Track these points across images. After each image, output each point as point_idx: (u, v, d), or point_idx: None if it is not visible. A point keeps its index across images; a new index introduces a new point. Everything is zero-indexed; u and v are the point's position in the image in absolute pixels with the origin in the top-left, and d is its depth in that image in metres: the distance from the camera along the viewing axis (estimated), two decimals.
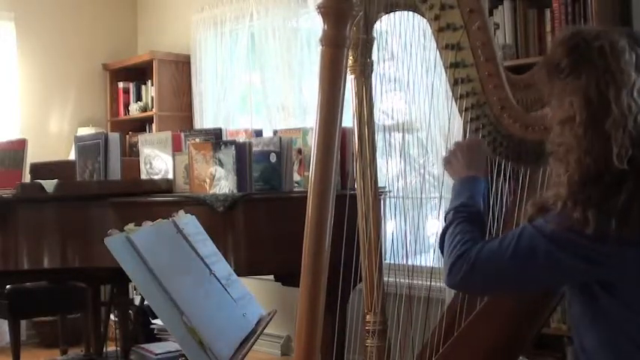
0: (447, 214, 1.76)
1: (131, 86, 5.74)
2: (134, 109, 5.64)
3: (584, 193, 1.45)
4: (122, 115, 5.78)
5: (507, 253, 1.53)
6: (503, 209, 2.15)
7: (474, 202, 1.76)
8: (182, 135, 3.42)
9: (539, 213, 1.56)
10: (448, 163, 1.89)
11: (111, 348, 4.31)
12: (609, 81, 1.47)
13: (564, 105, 1.53)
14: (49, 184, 3.05)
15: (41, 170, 3.63)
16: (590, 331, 1.55)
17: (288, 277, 2.99)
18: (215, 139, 3.27)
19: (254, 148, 3.01)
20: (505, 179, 2.13)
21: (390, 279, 2.40)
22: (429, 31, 2.14)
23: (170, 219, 2.00)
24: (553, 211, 1.51)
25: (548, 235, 1.49)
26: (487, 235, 1.88)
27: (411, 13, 2.22)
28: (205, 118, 5.25)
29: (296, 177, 3.12)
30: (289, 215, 2.82)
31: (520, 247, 1.52)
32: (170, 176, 3.28)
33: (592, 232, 1.43)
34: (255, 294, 2.27)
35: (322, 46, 1.70)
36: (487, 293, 1.74)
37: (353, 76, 2.27)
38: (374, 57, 2.31)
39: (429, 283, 2.37)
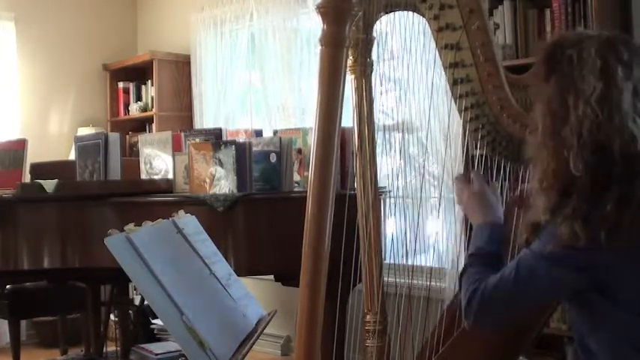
0: (465, 260, 1.76)
1: (131, 86, 5.75)
2: (134, 109, 5.64)
3: (568, 206, 1.46)
4: (122, 115, 5.78)
5: (510, 282, 1.55)
6: (503, 209, 2.14)
7: (491, 246, 1.74)
8: (182, 135, 3.42)
9: (533, 232, 1.56)
10: (466, 211, 1.88)
11: (111, 348, 4.31)
12: (570, 89, 1.48)
13: (536, 111, 1.55)
14: (49, 184, 3.05)
15: (41, 170, 3.63)
16: (591, 333, 1.55)
17: (288, 277, 2.99)
18: (215, 139, 3.27)
19: (254, 148, 3.01)
20: (505, 179, 2.13)
21: (390, 279, 2.40)
22: (428, 30, 2.14)
23: (170, 219, 2.00)
24: (545, 229, 1.51)
25: (545, 256, 1.49)
26: None
27: (410, 12, 2.22)
28: (205, 118, 5.26)
29: (296, 177, 3.12)
30: (289, 215, 2.82)
31: (520, 273, 1.53)
32: (170, 176, 3.28)
33: (585, 245, 1.43)
34: (255, 294, 2.27)
35: (322, 45, 1.70)
36: (501, 324, 1.74)
37: (353, 76, 2.27)
38: (374, 57, 2.31)
39: (428, 283, 2.37)
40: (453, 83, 2.07)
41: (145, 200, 3.07)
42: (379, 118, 2.41)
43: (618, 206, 1.42)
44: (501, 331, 2.00)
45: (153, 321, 4.61)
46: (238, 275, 2.18)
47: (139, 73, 5.69)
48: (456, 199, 1.94)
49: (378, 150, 2.38)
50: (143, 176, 3.47)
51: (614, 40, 1.53)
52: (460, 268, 1.76)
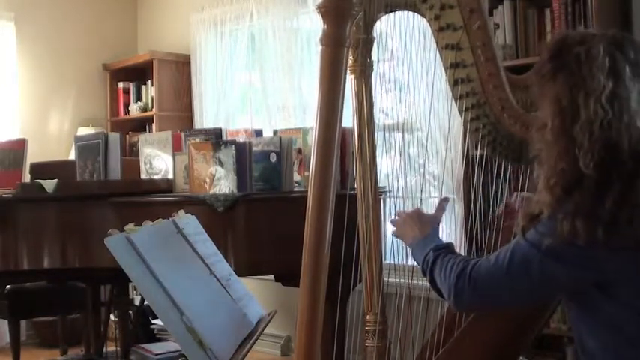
0: (423, 259, 1.73)
1: (131, 86, 5.75)
2: (134, 109, 5.64)
3: (570, 202, 1.45)
4: (122, 115, 5.78)
5: (503, 270, 1.54)
6: (503, 210, 2.14)
7: (445, 244, 1.75)
8: (182, 135, 3.42)
9: (530, 223, 1.56)
10: (401, 234, 1.87)
11: (111, 348, 4.31)
12: (580, 87, 1.47)
13: (543, 110, 1.54)
14: (49, 184, 3.05)
15: (41, 170, 3.63)
16: (590, 332, 1.55)
17: (288, 277, 2.99)
18: (215, 139, 3.27)
19: (254, 148, 3.01)
20: (505, 179, 2.13)
21: (390, 279, 2.40)
22: (429, 31, 2.14)
23: (170, 219, 1.99)
24: (542, 220, 1.51)
25: (542, 249, 1.48)
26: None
27: (411, 13, 2.22)
28: (205, 118, 5.25)
29: (296, 177, 3.12)
30: (289, 215, 2.81)
31: (514, 262, 1.53)
32: (170, 176, 3.28)
33: (584, 242, 1.42)
34: (255, 294, 2.27)
35: (322, 45, 1.70)
36: (490, 309, 1.77)
37: (353, 76, 2.27)
38: (374, 57, 2.31)
39: (428, 283, 2.36)
40: (454, 83, 2.08)
41: (145, 200, 3.07)
42: (379, 118, 2.41)
43: (617, 203, 1.42)
44: (502, 331, 2.01)
45: (153, 321, 4.61)
46: (238, 275, 2.18)
47: (139, 73, 5.69)
48: (393, 232, 1.92)
49: (378, 150, 2.38)
50: (143, 176, 3.47)
51: (622, 39, 1.53)
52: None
